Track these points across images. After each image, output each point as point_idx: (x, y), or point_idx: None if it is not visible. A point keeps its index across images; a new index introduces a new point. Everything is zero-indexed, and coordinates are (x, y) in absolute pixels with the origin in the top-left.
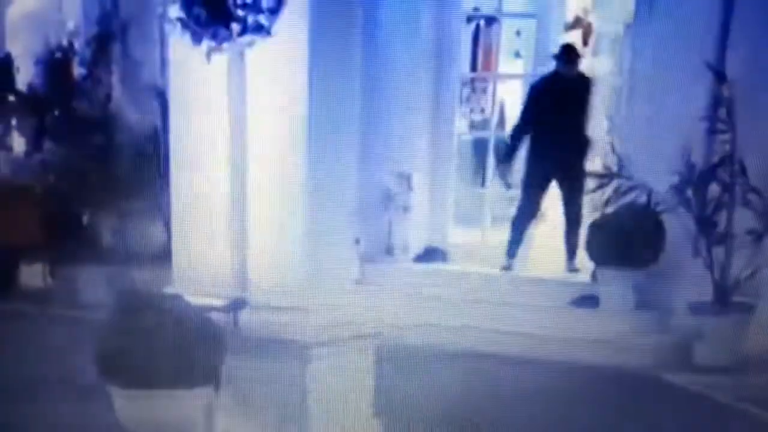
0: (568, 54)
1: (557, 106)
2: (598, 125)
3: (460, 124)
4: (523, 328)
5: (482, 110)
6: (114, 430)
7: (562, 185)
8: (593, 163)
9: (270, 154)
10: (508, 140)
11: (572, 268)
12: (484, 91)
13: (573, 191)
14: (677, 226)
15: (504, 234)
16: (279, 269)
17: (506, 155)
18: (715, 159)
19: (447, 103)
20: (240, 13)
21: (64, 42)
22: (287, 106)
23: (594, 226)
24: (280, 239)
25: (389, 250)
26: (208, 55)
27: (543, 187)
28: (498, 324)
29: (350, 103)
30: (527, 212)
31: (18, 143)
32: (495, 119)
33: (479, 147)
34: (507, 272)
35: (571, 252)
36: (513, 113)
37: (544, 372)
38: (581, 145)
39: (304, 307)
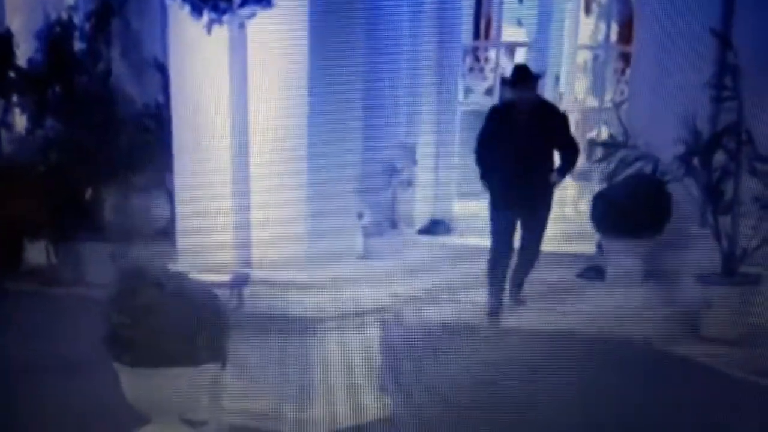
0: (522, 77)
1: (514, 140)
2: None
3: (464, 95)
4: (529, 301)
5: (485, 79)
6: (120, 408)
7: (523, 226)
8: (599, 133)
9: (272, 127)
10: (476, 152)
11: (517, 301)
12: (487, 60)
13: (532, 234)
14: (683, 195)
15: None
16: (282, 244)
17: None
18: (721, 127)
19: (450, 73)
20: None
21: (64, 16)
22: (289, 79)
23: (600, 197)
24: (284, 214)
25: (393, 224)
26: (209, 27)
27: (509, 229)
28: (504, 297)
29: (353, 76)
30: (499, 256)
31: (19, 120)
32: (498, 89)
33: (482, 117)
34: (494, 319)
35: (517, 286)
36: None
37: (551, 345)
38: (543, 185)
39: (308, 283)
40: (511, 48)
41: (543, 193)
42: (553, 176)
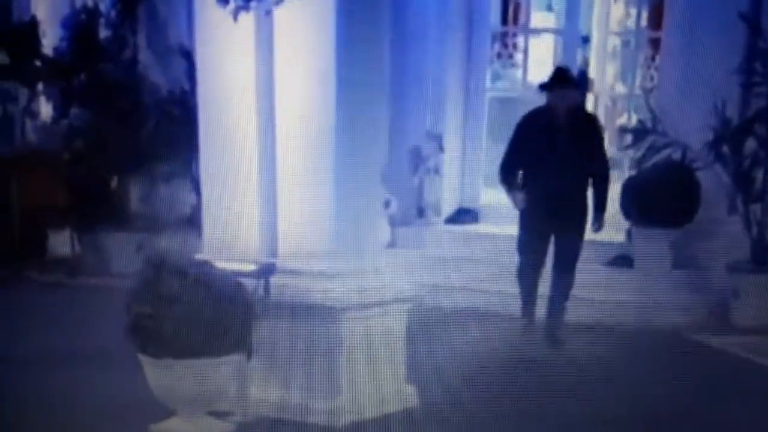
0: (562, 80)
1: (550, 151)
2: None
3: (491, 81)
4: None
5: (513, 66)
6: (145, 401)
7: (556, 251)
8: (629, 119)
9: (298, 115)
10: (499, 176)
11: (553, 340)
12: (515, 46)
13: (565, 259)
14: (713, 183)
15: None
16: (309, 233)
17: (507, 189)
18: (751, 113)
19: (478, 59)
20: None
21: (90, 3)
22: (315, 65)
23: (629, 184)
24: (310, 202)
25: (420, 212)
26: (235, 14)
27: (539, 247)
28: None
29: (379, 62)
30: (529, 268)
31: (45, 109)
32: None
33: (510, 105)
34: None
35: (553, 321)
36: (543, 70)
37: (578, 334)
38: (578, 203)
39: (334, 272)
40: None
41: (579, 212)
42: (594, 222)
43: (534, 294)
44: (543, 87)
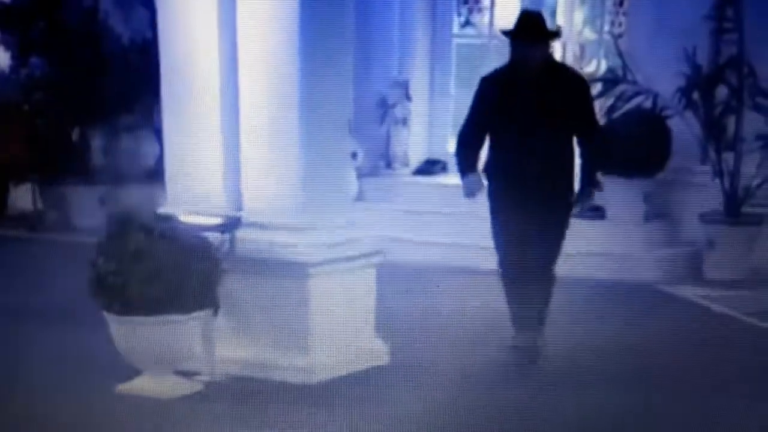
0: (530, 29)
1: (516, 120)
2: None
3: (460, 27)
4: None
5: (480, 11)
6: (111, 359)
7: (531, 240)
8: (597, 67)
9: (261, 65)
10: (455, 152)
11: (531, 349)
12: None
13: (542, 251)
14: (684, 132)
15: None
16: (274, 186)
17: (462, 169)
18: (722, 60)
19: (444, 4)
20: None
21: None
22: (278, 13)
23: None
24: (275, 155)
25: (388, 164)
26: None
27: (517, 237)
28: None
29: (343, 8)
30: (511, 272)
31: (2, 58)
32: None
33: (478, 51)
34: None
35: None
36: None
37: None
38: (557, 182)
39: (301, 226)
40: None
41: (557, 192)
42: (577, 198)
43: (527, 296)
44: (507, 34)
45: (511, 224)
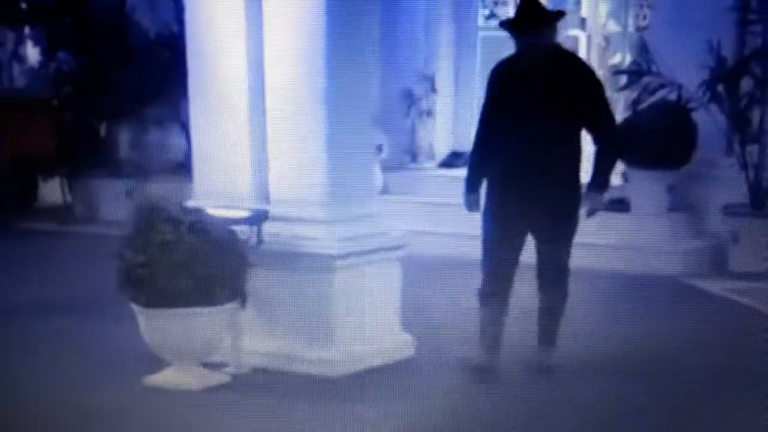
0: (529, 17)
1: (519, 114)
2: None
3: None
4: None
5: (504, 3)
6: (139, 351)
7: (539, 246)
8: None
9: (287, 58)
10: (469, 161)
11: (543, 366)
12: None
13: (552, 258)
14: (710, 124)
15: None
16: (300, 179)
17: (471, 180)
18: (747, 52)
19: None
20: None
21: None
22: (306, 7)
23: (624, 126)
24: (302, 148)
25: (413, 157)
26: None
27: (514, 246)
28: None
29: (370, 3)
30: (494, 290)
31: (31, 53)
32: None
33: (503, 44)
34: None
35: (545, 340)
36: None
37: (573, 280)
38: (564, 182)
39: (327, 219)
40: None
41: (565, 193)
42: (587, 198)
43: (502, 320)
44: (504, 26)
45: (509, 226)
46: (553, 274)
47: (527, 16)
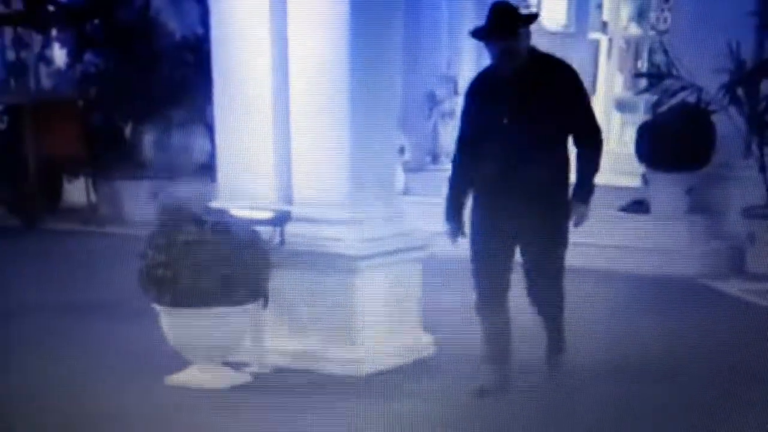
0: (499, 22)
1: (498, 124)
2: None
3: None
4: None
5: (527, 6)
6: (161, 350)
7: (526, 260)
8: (643, 62)
9: (312, 61)
10: (451, 176)
11: (553, 377)
12: None
13: (542, 271)
14: (729, 126)
15: None
16: (323, 181)
17: (451, 204)
18: (766, 55)
19: None
20: None
21: None
22: (329, 9)
23: (644, 128)
24: (324, 149)
25: (435, 158)
26: None
27: (503, 261)
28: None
29: (394, 4)
30: (488, 304)
31: (58, 55)
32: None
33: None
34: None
35: (550, 354)
36: (558, 10)
37: (592, 281)
38: (549, 192)
39: (349, 220)
40: None
41: (553, 204)
42: (573, 207)
43: (508, 330)
44: (477, 36)
45: (496, 239)
46: (545, 289)
47: (501, 23)
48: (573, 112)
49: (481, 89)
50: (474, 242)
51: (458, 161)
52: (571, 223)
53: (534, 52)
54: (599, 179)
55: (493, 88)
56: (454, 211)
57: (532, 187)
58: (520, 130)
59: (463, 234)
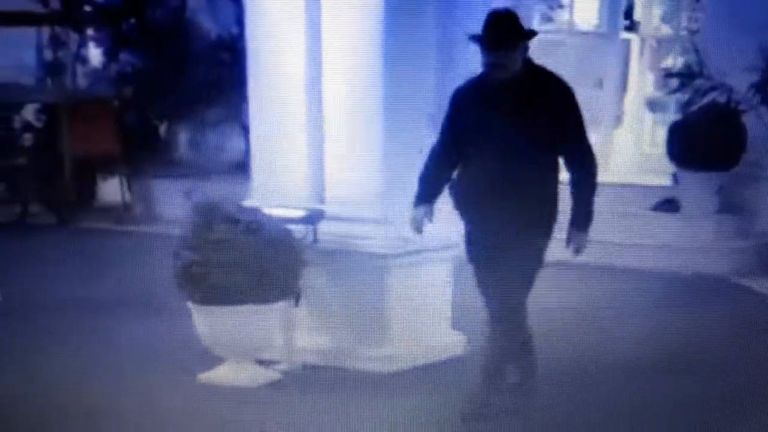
0: (498, 33)
1: (488, 140)
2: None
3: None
4: (601, 235)
5: (560, 6)
6: (194, 348)
7: (499, 281)
8: (673, 62)
9: (345, 60)
10: (422, 170)
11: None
12: None
13: (509, 295)
14: (759, 126)
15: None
16: (356, 180)
17: (420, 198)
18: None
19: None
20: None
21: None
22: (364, 9)
23: (675, 128)
24: (357, 148)
25: None
26: None
27: (487, 274)
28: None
29: (427, 6)
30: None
31: (94, 55)
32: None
33: (557, 47)
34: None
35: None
36: (590, 11)
37: (623, 280)
38: (537, 214)
39: (381, 219)
40: None
41: (529, 221)
42: (571, 235)
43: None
44: (474, 39)
45: (479, 252)
46: (508, 313)
47: (500, 33)
48: (564, 132)
49: (467, 97)
50: (467, 252)
51: (430, 167)
52: (570, 252)
53: (529, 64)
54: (629, 178)
55: (479, 98)
56: (424, 199)
57: (512, 204)
58: (503, 145)
59: (427, 222)
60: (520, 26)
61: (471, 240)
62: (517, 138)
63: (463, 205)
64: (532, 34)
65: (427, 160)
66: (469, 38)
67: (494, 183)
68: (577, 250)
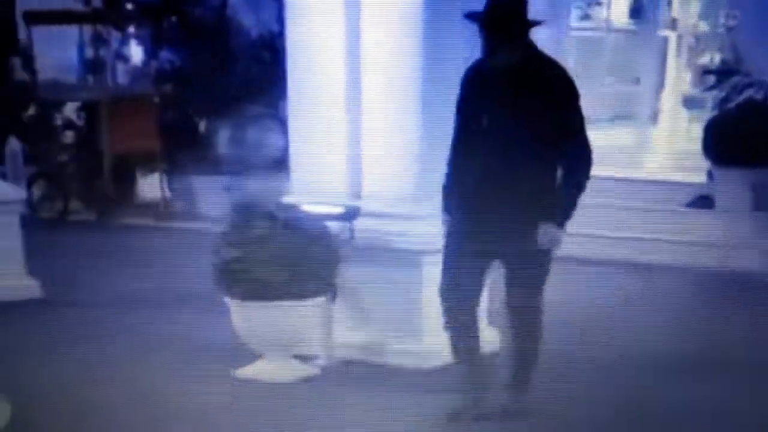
0: (495, 18)
1: (481, 121)
2: None
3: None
4: (635, 232)
5: (598, 4)
6: (230, 342)
7: (508, 278)
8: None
9: (385, 56)
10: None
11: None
12: None
13: (524, 291)
14: None
15: (624, 134)
16: (393, 176)
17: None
18: None
19: None
20: None
21: None
22: (402, 9)
23: (711, 125)
24: (395, 145)
25: None
26: None
27: (477, 268)
28: (608, 229)
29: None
30: (462, 328)
31: (135, 52)
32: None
33: (595, 44)
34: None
35: (516, 383)
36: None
37: (657, 276)
38: (536, 205)
39: (418, 215)
40: None
41: (530, 213)
42: (548, 228)
43: (477, 350)
44: (471, 18)
45: (472, 255)
46: (523, 308)
47: (503, 17)
48: (560, 121)
49: (470, 79)
50: (447, 245)
51: (454, 156)
52: (541, 239)
53: (529, 49)
54: (663, 174)
55: (478, 83)
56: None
57: (511, 194)
58: (500, 132)
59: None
60: (524, 14)
61: (462, 236)
62: (512, 125)
63: (461, 193)
64: (535, 23)
65: (451, 149)
66: (465, 16)
67: (490, 172)
68: (551, 245)
